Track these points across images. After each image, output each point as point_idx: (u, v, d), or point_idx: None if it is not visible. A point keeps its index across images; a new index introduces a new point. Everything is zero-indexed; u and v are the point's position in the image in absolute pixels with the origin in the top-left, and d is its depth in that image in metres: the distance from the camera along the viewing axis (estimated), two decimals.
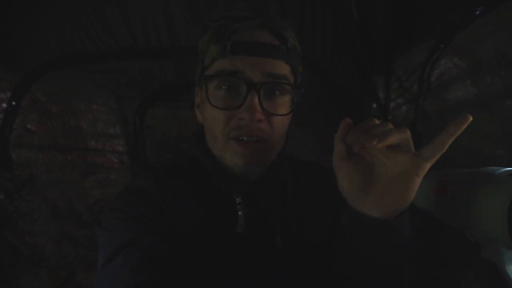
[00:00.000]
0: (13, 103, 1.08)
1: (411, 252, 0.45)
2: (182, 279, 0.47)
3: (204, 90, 0.52)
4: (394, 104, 1.26)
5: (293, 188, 0.59)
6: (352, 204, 0.43)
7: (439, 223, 0.80)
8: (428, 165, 0.39)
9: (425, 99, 1.11)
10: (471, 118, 0.37)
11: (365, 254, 0.44)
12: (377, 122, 0.41)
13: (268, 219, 0.55)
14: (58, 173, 1.28)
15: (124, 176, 1.42)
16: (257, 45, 0.49)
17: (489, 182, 0.61)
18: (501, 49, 0.90)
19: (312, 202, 0.59)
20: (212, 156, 0.56)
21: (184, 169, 0.59)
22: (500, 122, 0.91)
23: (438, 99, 1.09)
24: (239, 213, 0.53)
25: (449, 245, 0.95)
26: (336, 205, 0.58)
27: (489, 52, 0.92)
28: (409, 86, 1.17)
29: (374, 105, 1.27)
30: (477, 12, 0.87)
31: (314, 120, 1.34)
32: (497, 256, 0.62)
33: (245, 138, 0.50)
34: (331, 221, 0.57)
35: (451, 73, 1.03)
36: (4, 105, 1.09)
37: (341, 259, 0.49)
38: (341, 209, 0.59)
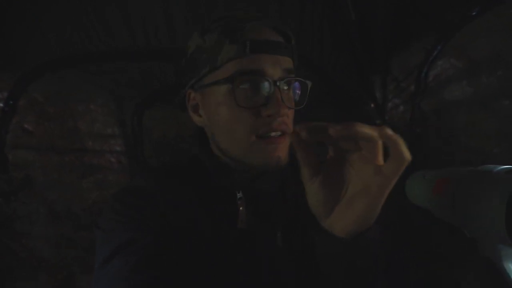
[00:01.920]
0: (11, 102, 1.07)
1: (376, 269, 0.41)
2: (183, 279, 0.46)
3: (214, 92, 0.51)
4: (391, 104, 1.27)
5: (292, 183, 0.59)
6: (319, 219, 0.41)
7: (437, 221, 0.80)
8: (391, 182, 0.35)
9: (422, 99, 1.12)
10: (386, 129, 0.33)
11: (328, 271, 0.43)
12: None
13: (269, 214, 0.55)
14: (56, 175, 1.27)
15: (123, 177, 1.41)
16: (272, 43, 0.50)
17: (487, 180, 0.62)
18: (497, 49, 0.91)
19: None
20: (212, 155, 0.56)
21: (184, 169, 0.59)
22: (497, 121, 0.92)
23: (435, 99, 1.10)
24: (240, 208, 0.53)
25: (447, 243, 0.96)
26: None
27: (485, 52, 0.93)
28: (406, 86, 1.18)
29: (372, 105, 1.28)
30: (474, 13, 0.87)
31: (313, 118, 1.34)
32: (495, 253, 0.62)
33: (272, 134, 0.51)
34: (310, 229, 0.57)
35: (448, 73, 1.04)
36: (1, 104, 1.08)
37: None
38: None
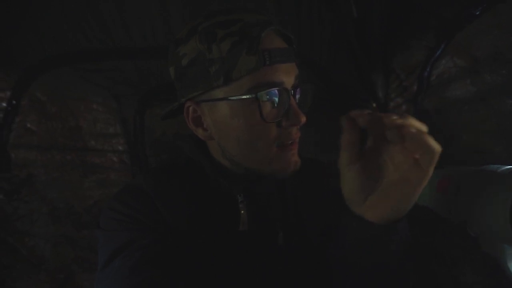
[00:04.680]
0: (13, 102, 1.07)
1: (404, 257, 0.43)
2: (183, 279, 0.46)
3: (245, 105, 0.48)
4: (393, 104, 1.27)
5: (293, 185, 0.59)
6: (350, 206, 0.43)
7: (440, 219, 0.80)
8: (428, 173, 0.37)
9: (424, 98, 1.12)
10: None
11: (356, 257, 0.44)
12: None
13: (270, 217, 0.55)
14: (57, 174, 1.27)
15: (125, 176, 1.41)
16: (285, 51, 0.49)
17: (491, 180, 0.61)
18: (500, 48, 0.90)
19: (313, 198, 0.59)
20: (212, 158, 0.56)
21: (183, 168, 0.58)
22: (500, 120, 0.91)
23: (438, 98, 1.09)
24: (242, 211, 0.53)
25: (449, 241, 0.96)
26: (337, 201, 0.59)
27: (489, 50, 0.93)
28: (409, 85, 1.18)
29: (374, 104, 1.28)
30: (477, 12, 0.87)
31: (313, 118, 1.34)
32: (499, 253, 0.62)
33: (290, 142, 0.51)
34: (333, 217, 0.57)
35: (451, 72, 1.03)
36: (4, 104, 1.08)
37: (336, 260, 0.48)
38: (341, 205, 0.60)
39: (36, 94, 1.19)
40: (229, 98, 0.48)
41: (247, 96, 0.47)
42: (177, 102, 0.54)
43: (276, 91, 0.48)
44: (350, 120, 0.40)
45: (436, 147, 0.35)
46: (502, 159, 0.84)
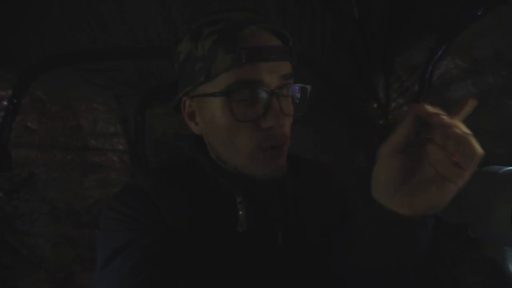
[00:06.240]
0: (15, 101, 1.07)
1: (424, 254, 0.44)
2: (183, 279, 0.46)
3: (210, 102, 0.50)
4: (394, 104, 1.27)
5: (293, 185, 0.59)
6: (378, 198, 0.42)
7: (441, 221, 0.80)
8: (467, 174, 0.36)
9: (426, 99, 1.12)
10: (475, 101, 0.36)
11: (379, 248, 0.43)
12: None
13: (269, 217, 0.55)
14: (57, 173, 1.27)
15: (125, 176, 1.41)
16: (269, 49, 0.48)
17: (493, 181, 0.61)
18: (501, 49, 0.90)
19: (313, 199, 0.59)
20: (211, 159, 0.56)
21: (183, 168, 0.58)
22: (501, 121, 0.91)
23: (439, 98, 1.09)
24: (240, 212, 0.53)
25: (449, 241, 0.96)
26: (338, 202, 0.58)
27: (490, 51, 0.92)
28: (410, 85, 1.17)
29: (375, 105, 1.27)
30: (479, 13, 0.87)
31: (314, 118, 1.34)
32: (501, 255, 0.62)
33: (273, 145, 0.50)
34: (333, 218, 0.57)
35: (452, 73, 1.03)
36: (5, 103, 1.08)
37: (347, 252, 0.48)
38: (344, 206, 0.58)
39: (37, 93, 1.18)
40: (206, 94, 0.50)
41: (220, 94, 0.48)
42: (177, 96, 0.56)
43: (251, 90, 0.48)
44: (412, 110, 0.38)
45: (480, 151, 0.35)
46: (503, 160, 0.83)
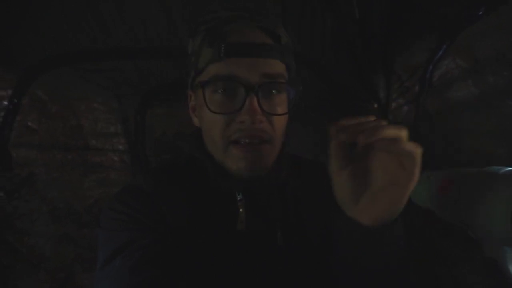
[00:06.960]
0: (15, 100, 1.07)
1: (400, 258, 0.44)
2: (183, 278, 0.46)
3: (200, 95, 0.52)
4: (395, 104, 1.26)
5: (293, 185, 0.59)
6: (344, 209, 0.44)
7: (441, 222, 0.80)
8: (414, 174, 0.38)
9: (426, 99, 1.11)
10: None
11: (353, 259, 0.44)
12: (372, 119, 0.41)
13: (269, 216, 0.55)
14: (58, 173, 1.27)
15: (125, 176, 1.42)
16: (252, 46, 0.49)
17: (493, 182, 0.61)
18: (502, 49, 0.90)
19: (313, 199, 0.59)
20: (211, 156, 0.56)
21: (183, 168, 0.59)
22: (502, 121, 0.91)
23: (440, 99, 1.09)
24: (240, 210, 0.53)
25: (449, 241, 0.96)
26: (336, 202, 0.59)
27: (491, 52, 0.92)
28: (411, 86, 1.17)
29: (375, 105, 1.27)
30: (480, 13, 0.87)
31: (314, 118, 1.34)
32: (500, 255, 0.62)
33: (247, 141, 0.50)
34: (333, 218, 0.57)
35: (453, 73, 1.03)
36: (5, 102, 1.08)
37: (335, 261, 0.49)
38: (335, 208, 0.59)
39: (37, 93, 1.19)
40: (192, 85, 0.54)
41: (198, 86, 0.51)
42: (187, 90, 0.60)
43: (226, 84, 0.49)
44: (333, 132, 0.41)
45: (414, 150, 0.37)
46: (503, 161, 0.83)
